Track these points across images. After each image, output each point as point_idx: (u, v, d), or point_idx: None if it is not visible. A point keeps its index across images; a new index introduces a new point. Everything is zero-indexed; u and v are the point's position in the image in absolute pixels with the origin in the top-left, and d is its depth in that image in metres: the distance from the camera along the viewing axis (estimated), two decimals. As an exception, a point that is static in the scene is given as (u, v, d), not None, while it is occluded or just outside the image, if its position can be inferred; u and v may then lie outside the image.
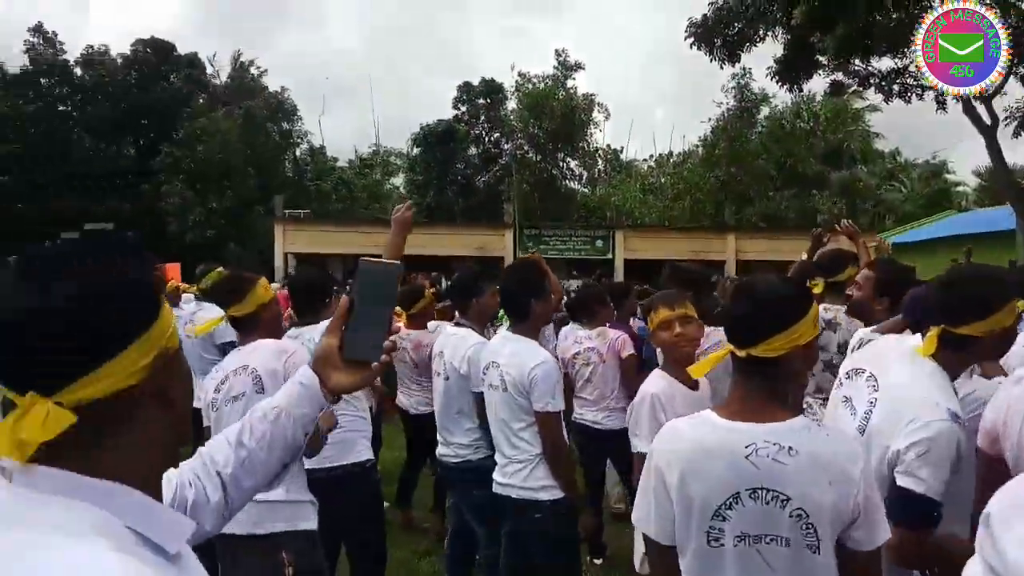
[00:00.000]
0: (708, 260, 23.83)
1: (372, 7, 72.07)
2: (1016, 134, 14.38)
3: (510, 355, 3.43)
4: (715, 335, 3.79)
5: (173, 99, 36.64)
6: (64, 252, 0.92)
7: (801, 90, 18.44)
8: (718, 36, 15.97)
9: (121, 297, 0.91)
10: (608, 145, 40.99)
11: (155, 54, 38.00)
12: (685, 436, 1.80)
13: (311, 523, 2.89)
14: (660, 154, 42.85)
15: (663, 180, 39.71)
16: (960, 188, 35.56)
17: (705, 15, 15.91)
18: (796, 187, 33.42)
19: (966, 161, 55.47)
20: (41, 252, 0.92)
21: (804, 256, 5.07)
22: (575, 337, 5.28)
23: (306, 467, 3.03)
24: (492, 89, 38.23)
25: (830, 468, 1.67)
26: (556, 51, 37.68)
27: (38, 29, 37.26)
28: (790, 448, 1.67)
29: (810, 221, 29.58)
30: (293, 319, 5.36)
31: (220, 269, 6.45)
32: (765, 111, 35.16)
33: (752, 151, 33.67)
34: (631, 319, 6.07)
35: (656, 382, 3.07)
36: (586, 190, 40.50)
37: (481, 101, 38.50)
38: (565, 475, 3.33)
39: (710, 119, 35.13)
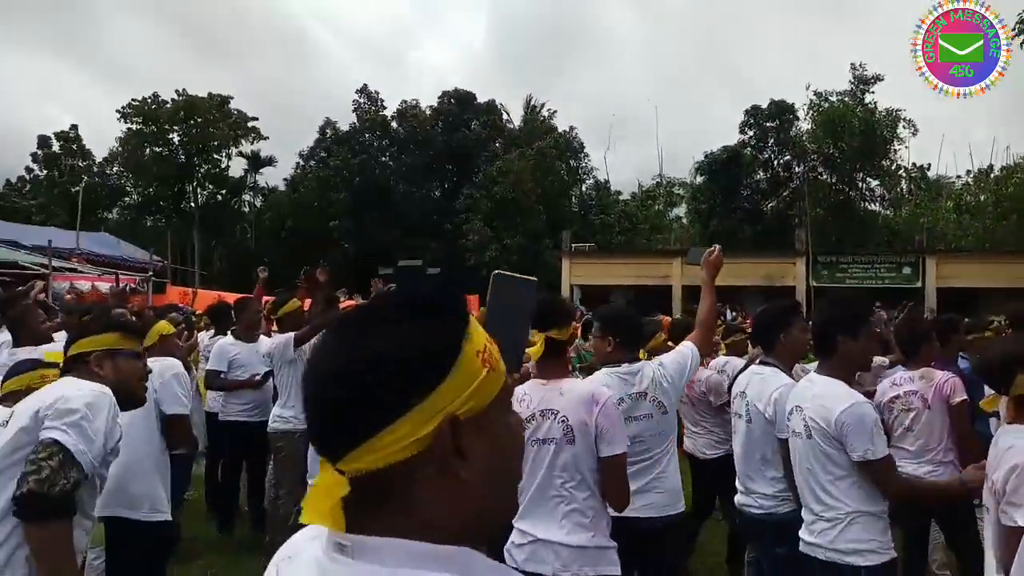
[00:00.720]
0: (1044, 288, 20.57)
1: (657, 39, 72.73)
2: None
3: (814, 398, 3.15)
4: None
5: (474, 144, 39.83)
6: (376, 311, 0.90)
7: None
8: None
9: (399, 362, 0.84)
10: (913, 163, 37.34)
11: (458, 104, 41.65)
12: None
13: (615, 568, 2.88)
14: (979, 168, 38.09)
15: (982, 198, 35.23)
16: None
17: None
18: None
19: None
20: (365, 311, 0.91)
21: None
22: (894, 378, 4.78)
23: (633, 515, 3.06)
24: (781, 110, 36.69)
25: None
26: (852, 65, 35.35)
27: (363, 90, 42.68)
28: None
29: None
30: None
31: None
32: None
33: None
34: (958, 358, 5.39)
35: None
36: (888, 212, 37.17)
37: (769, 124, 37.03)
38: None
39: (1044, 124, 30.59)
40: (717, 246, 3.70)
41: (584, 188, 42.76)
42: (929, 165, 38.31)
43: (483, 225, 34.90)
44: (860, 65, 35.05)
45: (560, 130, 41.25)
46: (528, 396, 2.91)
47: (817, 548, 3.08)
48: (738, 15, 69.92)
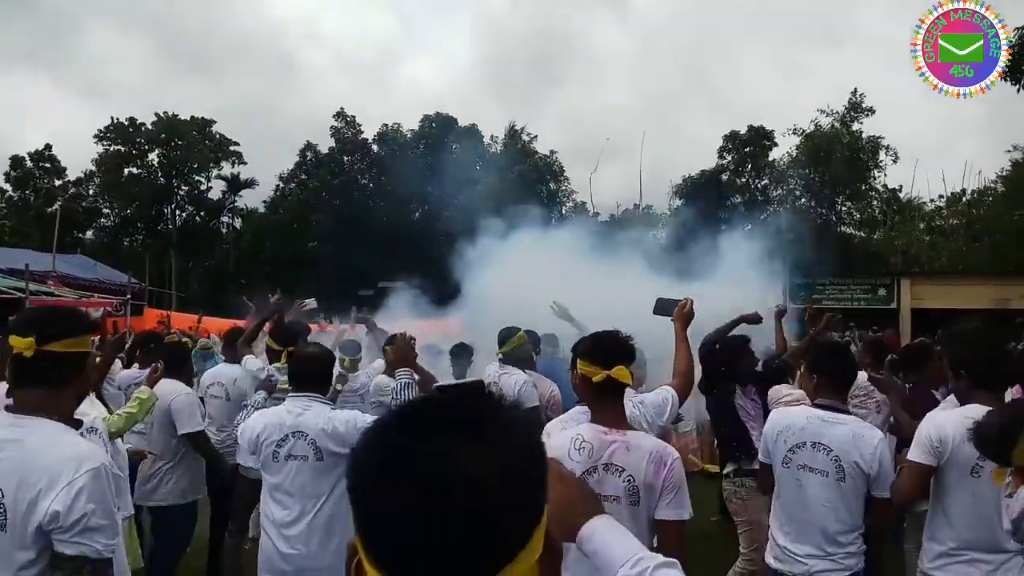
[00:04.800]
0: (1011, 309, 20.91)
1: (642, 62, 73.34)
2: None
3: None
4: None
5: (455, 168, 40.04)
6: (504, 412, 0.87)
7: None
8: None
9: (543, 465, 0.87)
10: (885, 185, 37.95)
11: (439, 127, 41.88)
12: None
13: None
14: (951, 192, 38.88)
15: (953, 222, 35.94)
16: None
17: None
18: None
19: None
20: (481, 405, 0.87)
21: None
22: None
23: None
24: (760, 136, 37.31)
25: None
26: (852, 91, 35.99)
27: (340, 114, 42.81)
28: None
29: None
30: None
31: (521, 332, 6.44)
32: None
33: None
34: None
35: None
36: (863, 234, 37.77)
37: (747, 149, 37.66)
38: None
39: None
40: (690, 299, 3.69)
41: (564, 211, 43.10)
42: (901, 187, 38.98)
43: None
44: (858, 94, 35.80)
45: (541, 153, 41.62)
46: (588, 444, 2.59)
47: None
48: (719, 36, 70.92)
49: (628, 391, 2.78)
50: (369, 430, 0.85)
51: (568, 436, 2.63)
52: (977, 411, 2.78)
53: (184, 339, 7.40)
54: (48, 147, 45.12)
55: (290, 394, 3.37)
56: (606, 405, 2.63)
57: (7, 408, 2.11)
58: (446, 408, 0.86)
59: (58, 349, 2.08)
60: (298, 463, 3.20)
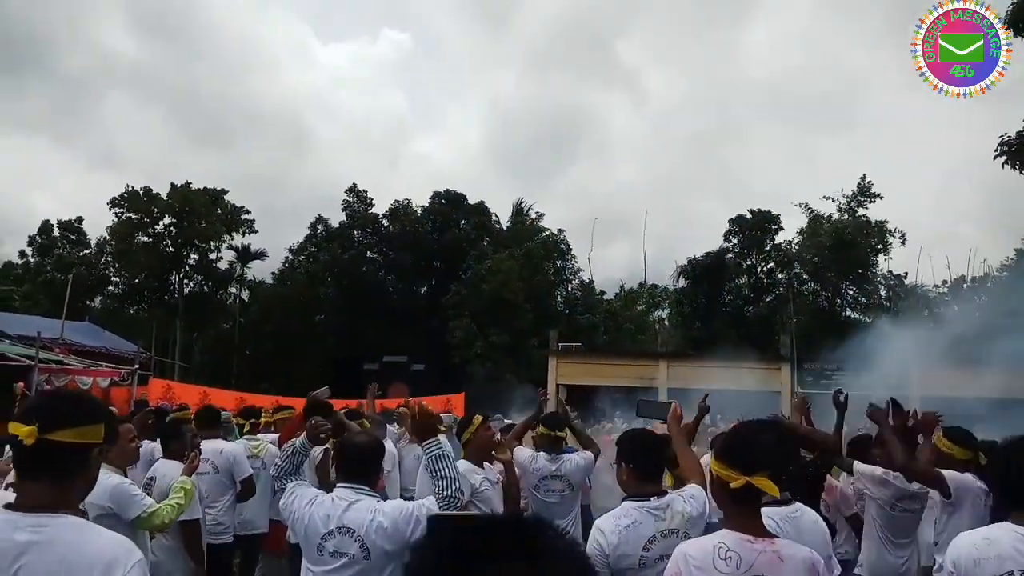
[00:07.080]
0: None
1: (649, 144, 74.56)
2: None
3: None
4: None
5: (462, 243, 40.40)
6: None
7: None
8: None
9: None
10: (890, 271, 38.17)
11: (449, 204, 42.43)
12: None
13: None
14: (953, 279, 39.03)
15: (956, 308, 36.05)
16: None
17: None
18: None
19: None
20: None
21: None
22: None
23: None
24: (765, 220, 37.74)
25: None
26: (861, 176, 36.73)
27: (352, 189, 43.45)
28: None
29: None
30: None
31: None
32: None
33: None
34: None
35: None
36: (867, 319, 37.84)
37: (753, 233, 38.05)
38: None
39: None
40: (675, 402, 3.59)
41: (570, 288, 43.25)
42: (906, 274, 39.21)
43: (470, 322, 35.01)
44: (866, 180, 36.58)
45: (548, 232, 42.09)
46: (734, 554, 2.36)
47: None
48: (730, 120, 72.35)
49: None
50: (423, 554, 0.92)
51: (709, 544, 2.40)
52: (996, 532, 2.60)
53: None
54: (80, 220, 46.24)
55: (339, 484, 3.23)
56: (747, 512, 2.41)
57: (6, 506, 1.94)
58: (500, 534, 0.92)
59: (64, 439, 1.92)
60: (344, 560, 3.04)
